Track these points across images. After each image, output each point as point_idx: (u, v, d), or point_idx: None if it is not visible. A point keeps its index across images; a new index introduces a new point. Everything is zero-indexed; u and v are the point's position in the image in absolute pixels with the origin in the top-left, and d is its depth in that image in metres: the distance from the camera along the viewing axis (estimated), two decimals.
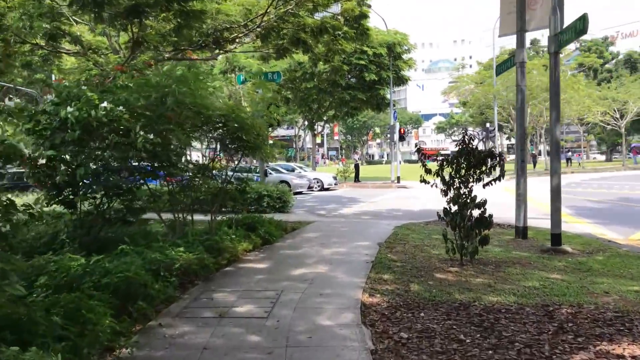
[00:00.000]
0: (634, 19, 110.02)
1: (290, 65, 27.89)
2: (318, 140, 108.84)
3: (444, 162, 8.30)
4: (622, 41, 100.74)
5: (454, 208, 8.27)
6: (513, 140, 36.37)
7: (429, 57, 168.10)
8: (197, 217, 9.88)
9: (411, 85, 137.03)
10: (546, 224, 13.77)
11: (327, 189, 28.01)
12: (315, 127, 33.55)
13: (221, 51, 16.85)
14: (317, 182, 27.86)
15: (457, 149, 8.36)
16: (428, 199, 21.40)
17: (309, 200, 21.79)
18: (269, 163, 35.36)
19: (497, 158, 8.10)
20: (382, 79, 29.64)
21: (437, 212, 8.62)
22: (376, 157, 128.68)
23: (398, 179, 30.13)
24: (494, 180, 8.18)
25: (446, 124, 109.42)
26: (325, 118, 31.87)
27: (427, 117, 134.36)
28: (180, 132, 8.64)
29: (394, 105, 31.48)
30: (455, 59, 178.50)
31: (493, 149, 8.03)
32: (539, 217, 14.26)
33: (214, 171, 10.46)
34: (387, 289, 6.30)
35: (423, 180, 8.40)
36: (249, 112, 9.81)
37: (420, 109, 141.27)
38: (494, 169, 8.18)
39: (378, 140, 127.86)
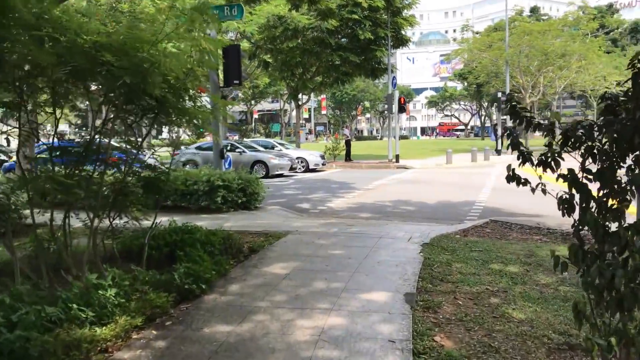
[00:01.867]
0: None
1: (268, 19, 22.98)
2: (305, 114, 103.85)
3: (569, 139, 3.73)
4: (622, 11, 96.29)
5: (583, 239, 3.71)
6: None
7: (419, 29, 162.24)
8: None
9: (401, 58, 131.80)
10: None
11: (314, 170, 23.43)
12: (300, 97, 28.74)
13: None
14: (301, 162, 23.23)
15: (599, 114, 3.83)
16: (439, 184, 16.93)
17: (290, 187, 17.20)
18: (244, 139, 30.52)
19: None
20: (379, 39, 24.88)
21: (558, 259, 4.06)
22: (365, 133, 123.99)
23: (397, 157, 25.59)
24: None
25: (438, 98, 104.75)
26: (311, 86, 27.12)
27: (418, 91, 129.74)
28: None
29: (392, 72, 26.75)
30: (446, 32, 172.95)
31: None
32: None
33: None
34: None
35: (516, 178, 3.83)
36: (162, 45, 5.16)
37: (410, 83, 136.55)
38: None
39: (367, 115, 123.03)
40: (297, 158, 23.12)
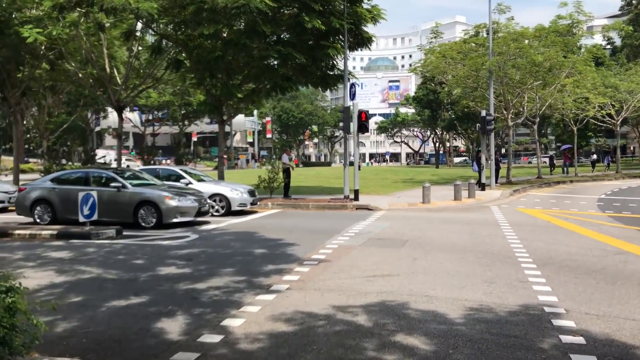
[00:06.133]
0: None
1: None
2: (250, 138, 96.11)
3: None
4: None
5: None
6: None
7: (368, 54, 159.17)
8: None
9: (348, 83, 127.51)
10: None
11: (240, 212, 16.18)
12: (225, 112, 21.31)
13: None
14: (220, 202, 15.91)
15: None
16: (441, 251, 9.61)
17: (180, 254, 9.76)
18: (119, 162, 22.79)
19: None
20: (332, 32, 18.12)
21: None
22: (313, 159, 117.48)
23: (356, 193, 18.64)
24: None
25: (389, 124, 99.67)
26: (239, 95, 19.90)
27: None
28: None
29: (349, 79, 20.02)
30: (394, 58, 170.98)
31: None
32: None
33: None
34: None
35: None
36: None
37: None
38: None
39: (315, 140, 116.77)
40: (214, 195, 15.77)
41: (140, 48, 21.08)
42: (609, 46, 65.23)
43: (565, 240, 11.24)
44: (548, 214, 16.10)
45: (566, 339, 5.14)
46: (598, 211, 17.17)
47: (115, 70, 21.19)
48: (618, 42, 63.68)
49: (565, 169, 39.03)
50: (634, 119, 49.53)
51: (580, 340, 5.11)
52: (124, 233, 12.07)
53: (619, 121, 37.85)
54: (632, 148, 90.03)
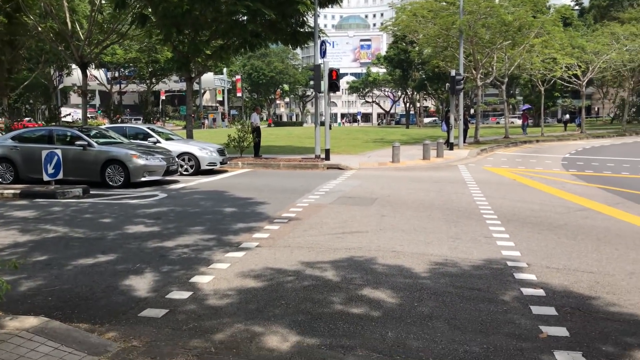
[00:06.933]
0: None
1: None
2: (219, 97, 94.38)
3: None
4: None
5: None
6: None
7: (339, 12, 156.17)
8: None
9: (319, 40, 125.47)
10: None
11: (209, 172, 16.07)
12: (193, 69, 20.86)
13: None
14: (189, 161, 15.73)
15: None
16: (407, 207, 9.71)
17: (149, 212, 9.68)
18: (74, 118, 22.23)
19: None
20: None
21: None
22: (284, 118, 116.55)
23: (327, 153, 18.65)
24: None
25: (360, 84, 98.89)
26: (207, 51, 19.45)
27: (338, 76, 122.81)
28: None
29: (319, 37, 19.71)
30: (366, 16, 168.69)
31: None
32: None
33: None
34: None
35: None
36: None
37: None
38: None
39: (287, 99, 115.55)
40: (183, 154, 15.58)
41: (103, 1, 20.25)
42: (577, 7, 65.62)
43: (530, 197, 11.54)
44: (514, 173, 16.45)
45: (527, 291, 5.32)
46: (562, 170, 17.58)
47: (77, 25, 20.38)
48: (586, 2, 64.16)
49: (524, 129, 39.24)
50: (599, 80, 50.42)
51: (540, 292, 5.29)
52: (91, 192, 11.89)
53: (585, 82, 38.40)
54: (596, 109, 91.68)
